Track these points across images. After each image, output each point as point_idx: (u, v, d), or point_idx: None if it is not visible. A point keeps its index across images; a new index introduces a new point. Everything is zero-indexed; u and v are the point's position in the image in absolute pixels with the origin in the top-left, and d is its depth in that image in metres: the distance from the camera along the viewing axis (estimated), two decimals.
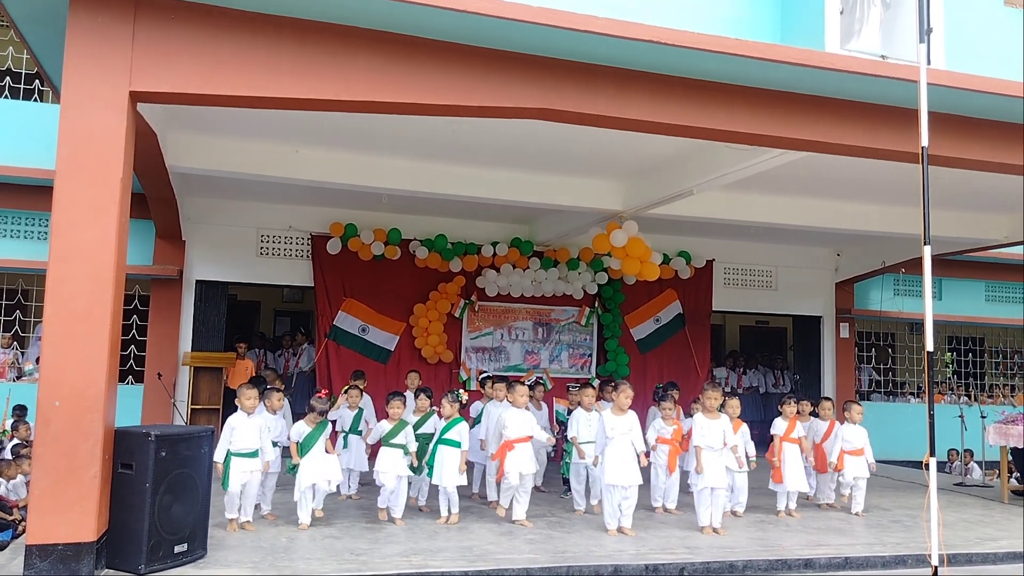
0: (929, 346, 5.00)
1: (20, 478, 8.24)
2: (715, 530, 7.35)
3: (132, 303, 11.42)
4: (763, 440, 8.65)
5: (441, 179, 9.28)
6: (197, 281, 11.33)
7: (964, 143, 7.23)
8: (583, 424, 8.08)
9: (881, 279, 14.39)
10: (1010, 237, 11.24)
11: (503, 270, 11.99)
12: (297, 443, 7.16)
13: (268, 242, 11.71)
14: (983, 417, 11.25)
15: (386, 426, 7.54)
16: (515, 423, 7.54)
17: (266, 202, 11.42)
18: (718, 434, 7.56)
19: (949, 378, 16.75)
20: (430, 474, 7.66)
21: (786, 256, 14.03)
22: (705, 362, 13.41)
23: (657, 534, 7.26)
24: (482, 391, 9.59)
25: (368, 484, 8.20)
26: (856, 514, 8.49)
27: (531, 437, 7.56)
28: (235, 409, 7.06)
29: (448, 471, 7.44)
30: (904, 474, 11.74)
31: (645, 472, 7.59)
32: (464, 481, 7.57)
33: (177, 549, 5.66)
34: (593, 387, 8.79)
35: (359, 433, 8.46)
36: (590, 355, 12.86)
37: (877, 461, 8.84)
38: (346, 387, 9.02)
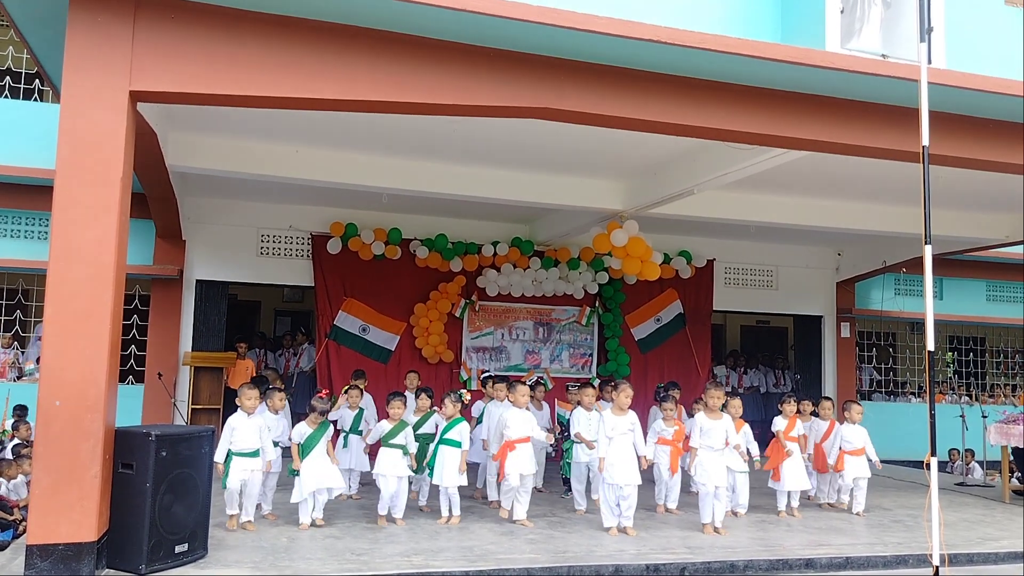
0: (930, 346, 4.99)
1: (21, 478, 8.24)
2: (716, 530, 7.35)
3: (132, 303, 11.41)
4: (764, 440, 8.65)
5: (442, 178, 9.27)
6: (197, 281, 11.33)
7: (965, 142, 7.22)
8: (583, 423, 8.10)
9: (882, 279, 14.39)
10: (1011, 236, 11.23)
11: (504, 270, 11.99)
12: (299, 445, 7.16)
13: (268, 242, 11.71)
14: (984, 417, 11.24)
15: (386, 426, 7.53)
16: (516, 423, 7.53)
17: (266, 202, 11.42)
18: (720, 434, 7.55)
19: (950, 378, 16.76)
20: (431, 474, 7.65)
21: (787, 256, 14.03)
22: (706, 362, 13.41)
23: (658, 534, 7.25)
24: (483, 391, 9.60)
25: (368, 484, 8.20)
26: (857, 514, 8.48)
27: (530, 438, 7.55)
28: (235, 409, 7.06)
29: (449, 471, 7.43)
30: (905, 474, 11.73)
31: (647, 472, 7.60)
32: (465, 481, 7.56)
33: (178, 549, 5.66)
34: (593, 387, 8.79)
35: (359, 433, 8.45)
36: (591, 355, 12.86)
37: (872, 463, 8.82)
38: (346, 387, 9.01)
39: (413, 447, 7.67)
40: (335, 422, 8.31)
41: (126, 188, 5.54)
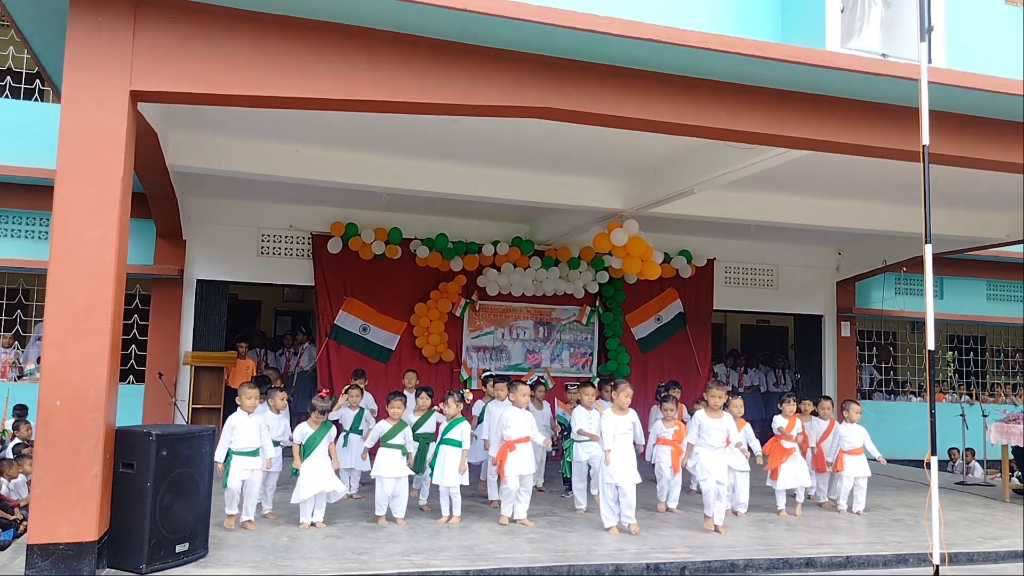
0: (930, 345, 4.99)
1: (21, 477, 8.25)
2: (716, 529, 7.35)
3: (133, 303, 11.42)
4: (764, 439, 8.65)
5: (442, 178, 9.28)
6: (198, 280, 11.34)
7: (965, 141, 7.22)
8: (584, 421, 8.10)
9: (882, 278, 14.39)
10: (1011, 236, 11.24)
11: (504, 269, 11.99)
12: (300, 445, 7.16)
13: (269, 241, 11.71)
14: (984, 416, 11.24)
15: (385, 426, 7.53)
16: (516, 423, 7.53)
17: (267, 201, 11.42)
18: (720, 432, 7.55)
19: (950, 377, 16.76)
20: (432, 474, 7.65)
21: (787, 255, 14.03)
22: (706, 361, 13.41)
23: (658, 533, 7.26)
24: (483, 390, 9.60)
25: (369, 484, 8.19)
26: (857, 513, 8.48)
27: (529, 438, 7.55)
28: (236, 409, 7.07)
29: (449, 471, 7.44)
30: (905, 473, 11.73)
31: (647, 471, 7.60)
32: (466, 481, 7.56)
33: (178, 548, 5.67)
34: (593, 385, 8.79)
35: (360, 432, 8.45)
36: (591, 354, 12.86)
37: (876, 462, 8.81)
38: (347, 387, 9.02)
39: (412, 447, 7.67)
40: (337, 422, 8.32)
41: (126, 188, 5.54)
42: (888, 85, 6.60)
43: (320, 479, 7.05)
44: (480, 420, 8.85)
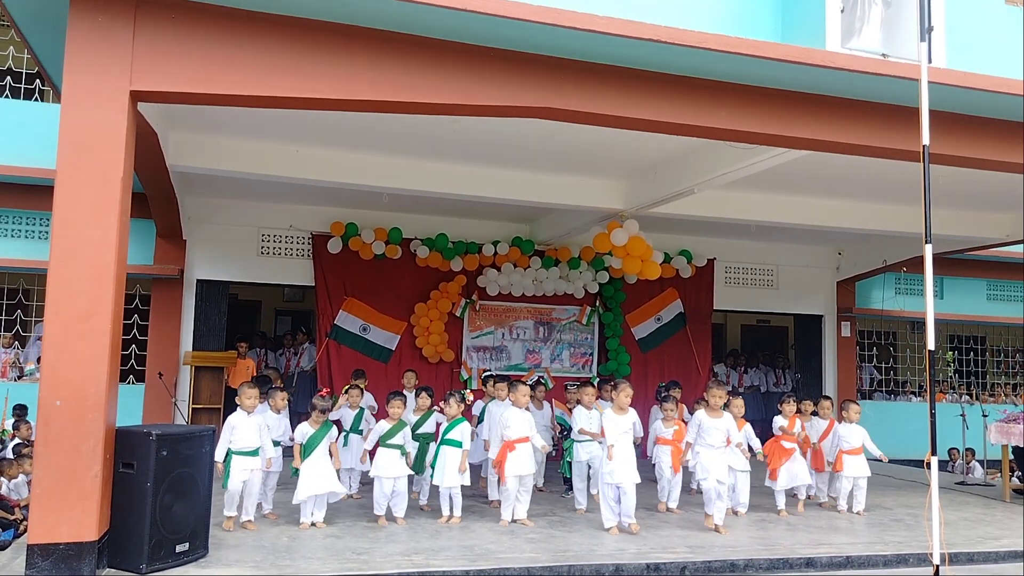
0: (930, 345, 4.99)
1: (22, 477, 8.25)
2: (717, 528, 7.35)
3: (133, 303, 11.42)
4: (765, 439, 8.65)
5: (442, 178, 9.28)
6: (198, 280, 11.34)
7: (965, 141, 7.23)
8: (585, 420, 8.10)
9: (882, 278, 14.39)
10: (1011, 236, 11.23)
11: (504, 269, 11.99)
12: (300, 445, 7.16)
13: (269, 241, 11.71)
14: (985, 416, 11.24)
15: (384, 426, 7.53)
16: (515, 423, 7.53)
17: (267, 201, 11.42)
18: (721, 432, 7.56)
19: (951, 377, 16.76)
20: (432, 474, 7.65)
21: (787, 255, 14.03)
22: (706, 361, 13.41)
23: (658, 533, 7.26)
24: (484, 390, 9.60)
25: (369, 484, 8.19)
26: (858, 513, 8.48)
27: (528, 438, 7.55)
28: (236, 409, 7.06)
29: (450, 471, 7.43)
30: (906, 473, 11.73)
31: (647, 471, 7.60)
32: (467, 480, 7.56)
33: (179, 548, 5.67)
34: (593, 385, 8.80)
35: (360, 432, 8.45)
36: (591, 354, 12.86)
37: (879, 460, 8.81)
38: (347, 387, 9.02)
39: (411, 447, 7.66)
40: (338, 422, 8.32)
41: (126, 188, 5.54)
42: (888, 85, 6.60)
43: (320, 479, 7.05)
44: (480, 420, 8.85)
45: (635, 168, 9.33)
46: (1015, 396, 16.07)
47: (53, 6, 5.45)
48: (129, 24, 5.44)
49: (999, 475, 10.98)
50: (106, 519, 5.40)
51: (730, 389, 13.42)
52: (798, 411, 8.77)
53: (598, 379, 11.45)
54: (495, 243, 12.00)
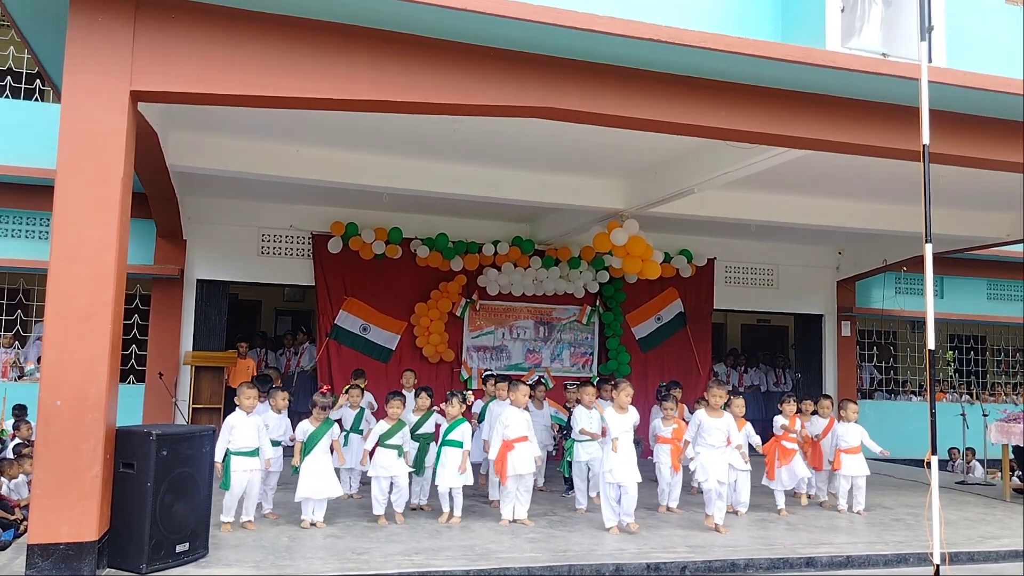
0: (931, 344, 4.99)
1: (22, 477, 8.25)
2: (717, 528, 7.35)
3: (133, 302, 11.43)
4: (765, 439, 8.65)
5: (442, 178, 9.28)
6: (198, 280, 11.34)
7: (965, 141, 7.22)
8: (585, 420, 8.09)
9: (883, 277, 14.39)
10: (1011, 235, 11.24)
11: (504, 269, 11.99)
12: (302, 442, 7.16)
13: (269, 241, 11.72)
14: (985, 415, 11.24)
15: (384, 426, 7.53)
16: (515, 422, 7.53)
17: (267, 201, 11.42)
18: (721, 432, 7.55)
19: (951, 376, 16.76)
20: (434, 475, 7.64)
21: (787, 254, 14.03)
22: (706, 361, 13.42)
23: (659, 533, 7.25)
24: (484, 390, 9.60)
25: (369, 483, 8.19)
26: (858, 512, 8.48)
27: (527, 437, 7.55)
28: (236, 409, 7.06)
29: (451, 471, 7.43)
30: (906, 472, 11.73)
31: (648, 471, 7.60)
32: (470, 480, 7.56)
33: (179, 548, 5.66)
34: (593, 385, 8.79)
35: (360, 432, 8.45)
36: (591, 354, 12.86)
37: (879, 460, 8.81)
38: (347, 386, 9.02)
39: (409, 447, 7.65)
40: (339, 422, 8.31)
41: (127, 188, 5.54)
42: (888, 84, 6.60)
43: (319, 477, 7.05)
44: (481, 419, 8.85)
45: (635, 168, 9.33)
46: (1015, 395, 16.07)
47: (53, 6, 5.45)
48: (129, 24, 5.44)
49: (999, 474, 10.98)
50: (106, 519, 5.40)
51: (730, 389, 13.41)
52: (798, 411, 8.77)
53: (598, 379, 11.46)
54: (495, 243, 12.00)
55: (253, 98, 5.82)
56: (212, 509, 6.09)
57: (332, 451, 7.33)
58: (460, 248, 11.85)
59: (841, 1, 10.31)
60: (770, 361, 15.43)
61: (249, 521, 6.93)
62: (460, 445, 7.51)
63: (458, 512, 7.51)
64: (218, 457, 6.59)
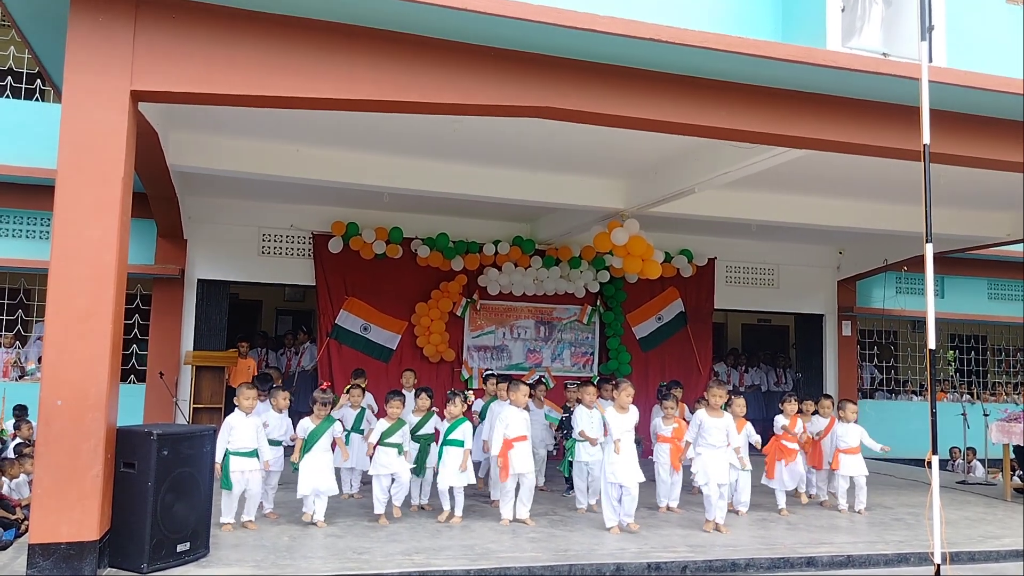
0: (931, 344, 4.99)
1: (23, 477, 8.26)
2: (717, 528, 7.35)
3: (134, 302, 11.43)
4: (766, 439, 8.65)
5: (443, 178, 9.28)
6: (199, 280, 11.35)
7: (966, 140, 7.22)
8: (585, 421, 8.09)
9: (883, 277, 14.38)
10: (1012, 235, 11.23)
11: (505, 268, 11.99)
12: (302, 439, 7.16)
13: (270, 241, 11.72)
14: (986, 415, 11.22)
15: (384, 425, 7.53)
16: (514, 422, 7.53)
17: (267, 201, 11.42)
18: (721, 432, 7.55)
19: (952, 376, 16.75)
20: (435, 475, 7.64)
21: (788, 254, 14.03)
22: (707, 360, 13.42)
23: (659, 532, 7.25)
24: (484, 389, 9.60)
25: (370, 483, 8.20)
26: (859, 512, 8.48)
27: (527, 437, 7.55)
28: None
29: (451, 471, 7.43)
30: (906, 472, 11.72)
31: (648, 471, 7.60)
32: (470, 479, 7.56)
33: (180, 548, 5.66)
34: (594, 384, 8.79)
35: (361, 432, 8.46)
36: (592, 353, 12.86)
37: (879, 460, 8.81)
38: (348, 386, 9.02)
39: (409, 446, 7.66)
40: (340, 421, 8.31)
41: (127, 187, 5.54)
42: (889, 84, 6.60)
43: (318, 473, 7.06)
44: (483, 418, 8.86)
45: (635, 168, 9.33)
46: (1016, 395, 16.07)
47: (53, 6, 5.45)
48: (130, 24, 5.44)
49: (1000, 474, 10.98)
50: (107, 519, 5.40)
51: (731, 388, 13.41)
52: (799, 411, 8.78)
53: (599, 378, 11.46)
54: (496, 242, 12.00)
55: (254, 98, 5.82)
56: (213, 509, 6.09)
57: (334, 448, 7.34)
58: (461, 248, 11.85)
59: (841, 1, 10.31)
60: (771, 361, 15.43)
61: (250, 521, 6.93)
62: (461, 444, 7.51)
63: (459, 511, 7.51)
64: (218, 457, 6.59)
